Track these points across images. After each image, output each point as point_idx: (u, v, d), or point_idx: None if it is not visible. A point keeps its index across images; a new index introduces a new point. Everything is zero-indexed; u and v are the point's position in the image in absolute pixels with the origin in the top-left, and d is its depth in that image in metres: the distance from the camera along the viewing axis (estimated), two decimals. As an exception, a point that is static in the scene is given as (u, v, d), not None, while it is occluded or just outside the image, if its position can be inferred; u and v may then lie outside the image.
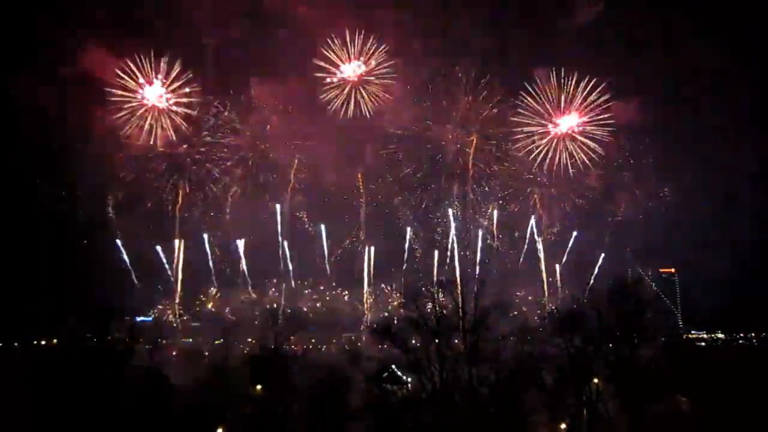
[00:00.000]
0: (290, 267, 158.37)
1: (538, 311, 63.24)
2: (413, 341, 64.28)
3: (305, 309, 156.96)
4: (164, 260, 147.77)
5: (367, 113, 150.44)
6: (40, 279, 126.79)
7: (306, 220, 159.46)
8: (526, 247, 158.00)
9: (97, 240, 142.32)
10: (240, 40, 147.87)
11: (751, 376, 54.73)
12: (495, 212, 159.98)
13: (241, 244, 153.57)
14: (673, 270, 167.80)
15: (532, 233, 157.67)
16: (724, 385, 56.06)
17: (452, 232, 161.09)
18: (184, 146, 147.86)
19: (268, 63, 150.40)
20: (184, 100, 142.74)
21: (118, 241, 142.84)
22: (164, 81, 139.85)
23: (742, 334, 58.81)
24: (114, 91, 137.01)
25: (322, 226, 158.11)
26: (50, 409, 56.78)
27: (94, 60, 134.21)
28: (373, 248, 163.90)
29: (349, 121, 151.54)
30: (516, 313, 64.81)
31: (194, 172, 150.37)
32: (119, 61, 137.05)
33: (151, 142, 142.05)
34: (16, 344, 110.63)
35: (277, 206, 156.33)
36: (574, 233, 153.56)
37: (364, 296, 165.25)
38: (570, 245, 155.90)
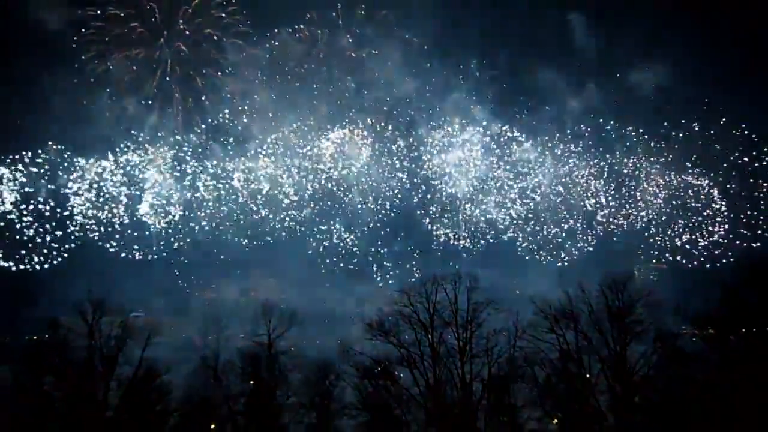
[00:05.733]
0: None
1: (533, 304, 63.16)
2: (406, 336, 64.28)
3: (299, 303, 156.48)
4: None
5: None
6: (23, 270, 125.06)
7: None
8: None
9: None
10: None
11: (740, 373, 54.99)
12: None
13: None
14: (665, 266, 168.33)
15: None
16: (715, 382, 56.36)
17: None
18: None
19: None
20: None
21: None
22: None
23: (734, 331, 59.11)
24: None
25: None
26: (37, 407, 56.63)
27: None
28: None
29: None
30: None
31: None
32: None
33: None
34: (7, 339, 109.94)
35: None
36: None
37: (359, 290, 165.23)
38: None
